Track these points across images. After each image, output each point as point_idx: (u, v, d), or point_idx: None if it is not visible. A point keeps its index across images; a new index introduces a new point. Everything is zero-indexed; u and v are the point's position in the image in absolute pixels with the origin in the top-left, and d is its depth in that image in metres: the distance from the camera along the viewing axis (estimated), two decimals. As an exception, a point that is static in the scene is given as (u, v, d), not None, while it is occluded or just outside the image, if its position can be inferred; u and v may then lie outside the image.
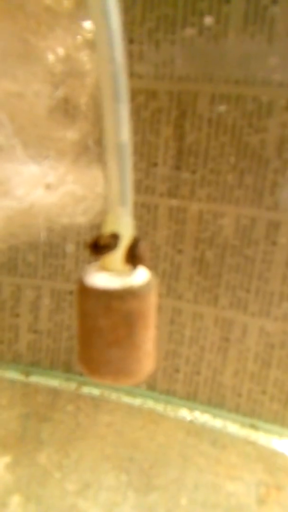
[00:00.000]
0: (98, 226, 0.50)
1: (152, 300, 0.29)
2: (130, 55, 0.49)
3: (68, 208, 0.39)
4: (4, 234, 0.39)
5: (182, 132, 0.52)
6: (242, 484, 0.40)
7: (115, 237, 0.28)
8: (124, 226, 0.28)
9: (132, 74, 0.51)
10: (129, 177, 0.27)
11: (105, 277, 0.28)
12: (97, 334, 0.28)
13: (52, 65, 0.40)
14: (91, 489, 0.37)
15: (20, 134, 0.36)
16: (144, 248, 0.29)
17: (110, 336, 0.28)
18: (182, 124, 0.51)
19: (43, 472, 0.38)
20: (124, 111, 0.26)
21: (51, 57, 0.39)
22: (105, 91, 0.26)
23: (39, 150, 0.37)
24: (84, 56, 0.43)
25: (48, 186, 0.36)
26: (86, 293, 0.29)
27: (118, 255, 0.28)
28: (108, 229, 0.28)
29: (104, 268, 0.29)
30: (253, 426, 0.48)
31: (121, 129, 0.26)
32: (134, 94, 0.50)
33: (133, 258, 0.28)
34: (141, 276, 0.29)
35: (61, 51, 0.41)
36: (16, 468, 0.38)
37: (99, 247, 0.28)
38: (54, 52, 0.40)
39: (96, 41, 0.26)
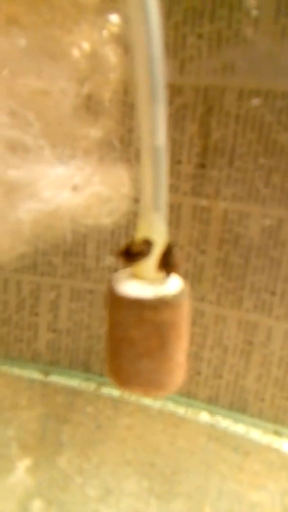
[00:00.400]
0: (121, 226, 0.49)
1: (185, 310, 0.28)
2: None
3: (93, 209, 0.38)
4: (30, 237, 0.38)
5: (207, 129, 0.50)
6: (266, 494, 0.39)
7: (148, 244, 0.26)
8: (158, 233, 0.27)
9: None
10: (164, 182, 0.26)
11: (137, 285, 0.27)
12: (128, 344, 0.27)
13: (77, 61, 0.38)
14: (113, 495, 0.37)
15: (47, 134, 0.35)
16: (178, 256, 0.27)
17: (142, 347, 0.27)
18: (208, 120, 0.50)
19: (64, 476, 0.38)
20: (161, 112, 0.25)
21: (76, 53, 0.38)
22: (141, 90, 0.25)
23: (65, 150, 0.36)
24: (109, 51, 0.41)
25: (75, 188, 0.35)
26: (117, 302, 0.28)
27: (150, 263, 0.27)
28: (140, 235, 0.27)
29: (136, 276, 0.28)
30: (276, 433, 0.47)
31: (157, 131, 0.25)
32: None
33: (166, 265, 0.27)
34: (174, 284, 0.28)
35: (86, 46, 0.39)
36: (37, 471, 0.38)
37: (132, 254, 0.27)
38: (80, 47, 0.38)
39: (132, 35, 0.25)
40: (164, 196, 0.27)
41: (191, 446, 0.43)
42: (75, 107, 0.38)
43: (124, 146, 0.49)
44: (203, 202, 0.52)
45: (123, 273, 0.29)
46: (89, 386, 0.50)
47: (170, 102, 0.51)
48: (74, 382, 0.50)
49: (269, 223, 0.50)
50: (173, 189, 0.52)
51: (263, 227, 0.50)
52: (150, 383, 0.28)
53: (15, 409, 0.44)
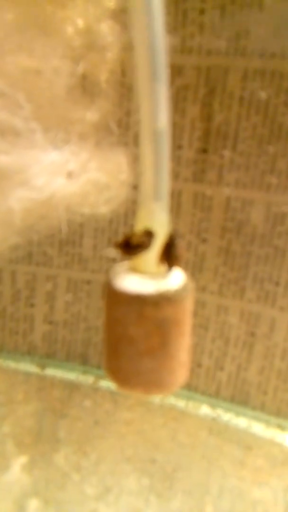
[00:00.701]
0: (120, 215, 0.47)
1: (188, 306, 0.27)
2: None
3: (90, 197, 0.36)
4: (22, 228, 0.36)
5: (210, 112, 0.48)
6: (269, 490, 0.38)
7: (149, 235, 0.24)
8: (159, 223, 0.25)
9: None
10: (166, 168, 0.24)
11: (137, 280, 0.25)
12: (127, 342, 0.26)
13: (71, 38, 0.36)
14: (112, 493, 0.36)
15: (39, 116, 0.33)
16: (181, 247, 0.25)
17: (142, 345, 0.26)
18: (210, 102, 0.47)
19: (61, 474, 0.36)
20: (163, 92, 0.23)
21: (70, 29, 0.35)
22: (141, 68, 0.23)
23: (59, 134, 0.34)
24: (105, 28, 0.39)
25: (69, 174, 0.33)
26: (115, 298, 0.26)
27: (151, 255, 0.25)
28: (140, 226, 0.25)
29: (135, 270, 0.26)
30: (279, 426, 0.46)
31: (159, 113, 0.22)
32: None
33: (169, 258, 0.25)
34: (176, 279, 0.26)
35: (81, 22, 0.37)
36: (33, 469, 0.36)
37: (131, 246, 0.25)
38: (74, 24, 0.36)
39: (131, 11, 0.22)
40: (166, 184, 0.25)
41: (192, 441, 0.42)
42: (69, 88, 0.36)
43: (122, 130, 0.47)
44: (205, 189, 0.50)
45: (122, 266, 0.27)
46: (87, 379, 0.48)
47: (170, 83, 0.49)
48: (71, 375, 0.49)
49: (274, 210, 0.48)
50: (173, 175, 0.50)
51: (267, 215, 0.48)
52: (151, 383, 0.26)
53: (11, 404, 0.43)
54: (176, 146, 0.50)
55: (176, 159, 0.50)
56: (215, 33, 0.45)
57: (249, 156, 0.48)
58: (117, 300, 0.25)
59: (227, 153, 0.48)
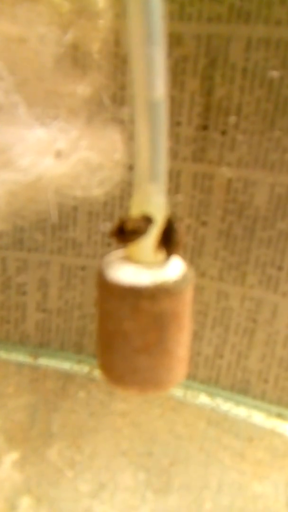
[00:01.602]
0: (115, 196, 0.44)
1: (188, 298, 0.24)
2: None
3: (82, 179, 0.33)
4: (7, 213, 0.33)
5: (211, 85, 0.44)
6: (270, 484, 0.36)
7: (146, 221, 0.22)
8: (156, 207, 0.23)
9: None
10: (163, 145, 0.21)
11: (132, 270, 0.23)
12: (122, 338, 0.23)
13: (59, 3, 0.32)
14: (107, 490, 0.34)
15: (23, 90, 0.30)
16: (180, 232, 0.23)
17: (138, 341, 0.23)
18: (211, 75, 0.44)
19: (54, 470, 0.35)
20: (159, 57, 0.20)
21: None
22: (134, 29, 0.20)
23: (46, 109, 0.31)
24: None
25: (58, 154, 0.30)
26: (108, 290, 0.24)
27: (148, 242, 0.23)
28: (136, 209, 0.23)
29: (130, 259, 0.24)
30: (280, 416, 0.45)
31: (154, 81, 0.20)
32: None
33: (167, 244, 0.23)
34: (175, 268, 0.24)
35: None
36: (25, 465, 0.35)
37: (127, 232, 0.22)
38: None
39: None
40: (163, 163, 0.22)
41: (190, 433, 0.40)
42: (57, 58, 0.33)
43: (117, 105, 0.44)
44: (205, 169, 0.47)
45: (115, 255, 0.24)
46: (82, 369, 0.47)
47: (168, 53, 0.46)
48: (65, 365, 0.47)
49: (278, 191, 0.45)
50: (172, 154, 0.47)
51: (270, 196, 0.46)
52: (148, 381, 0.24)
53: (2, 397, 0.41)
54: (175, 123, 0.47)
55: (175, 137, 0.47)
56: (216, -2, 0.42)
57: (252, 134, 0.45)
58: (110, 293, 0.22)
59: (229, 130, 0.45)
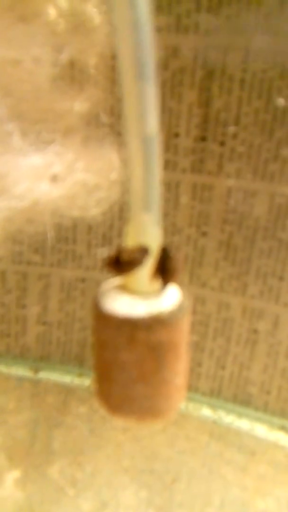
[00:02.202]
0: (114, 210, 0.44)
1: (184, 328, 0.24)
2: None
3: (78, 200, 0.33)
4: (4, 238, 0.33)
5: (208, 96, 0.44)
6: (272, 500, 0.36)
7: (142, 252, 0.22)
8: (151, 237, 0.22)
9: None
10: (157, 177, 0.21)
11: (128, 301, 0.23)
12: (119, 368, 0.23)
13: (54, 22, 0.32)
14: (108, 508, 0.34)
15: (18, 113, 0.29)
16: (177, 261, 0.23)
17: (134, 371, 0.23)
18: (208, 86, 0.44)
19: (55, 488, 0.35)
20: (151, 92, 0.20)
21: (52, 12, 0.32)
22: (125, 65, 0.19)
23: (41, 134, 0.31)
24: (91, 8, 0.35)
25: (54, 178, 0.30)
26: (104, 321, 0.23)
27: (143, 272, 0.23)
28: (130, 240, 0.23)
29: (126, 289, 0.24)
30: (283, 428, 0.45)
31: (147, 117, 0.19)
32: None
33: (164, 273, 0.23)
34: (171, 298, 0.24)
35: (63, 3, 0.33)
36: (26, 484, 0.35)
37: (123, 263, 0.22)
38: (56, 5, 0.32)
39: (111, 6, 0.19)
40: (157, 194, 0.22)
41: (192, 447, 0.40)
42: (53, 78, 0.32)
43: (114, 119, 0.43)
44: (204, 180, 0.47)
45: (111, 284, 0.24)
46: (83, 382, 0.47)
47: (165, 65, 0.45)
48: (66, 378, 0.47)
49: (278, 201, 0.45)
50: (171, 165, 0.47)
51: (270, 206, 0.45)
52: (145, 410, 0.24)
53: (2, 413, 0.41)
54: (173, 134, 0.47)
55: (173, 148, 0.47)
56: (213, 10, 0.42)
57: (251, 144, 0.45)
58: (105, 323, 0.22)
59: (227, 140, 0.45)
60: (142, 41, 0.19)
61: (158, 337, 0.22)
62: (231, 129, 0.44)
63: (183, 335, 0.24)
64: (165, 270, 0.22)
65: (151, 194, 0.21)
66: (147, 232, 0.22)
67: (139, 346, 0.22)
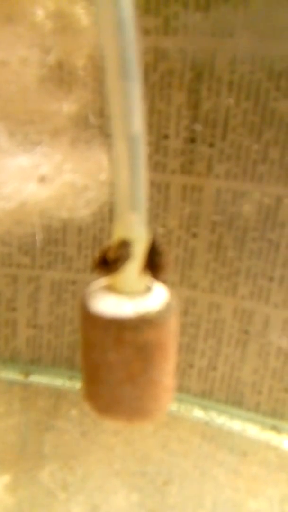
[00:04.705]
0: (104, 211, 0.44)
1: (172, 327, 0.24)
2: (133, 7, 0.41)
3: (67, 201, 0.33)
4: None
5: (197, 98, 0.44)
6: (264, 501, 0.36)
7: (126, 246, 0.22)
8: (137, 237, 0.22)
9: (137, 30, 0.43)
10: (143, 176, 0.21)
11: (114, 301, 0.23)
12: (106, 369, 0.23)
13: (41, 24, 0.32)
14: (100, 512, 0.34)
15: (5, 115, 0.29)
16: (166, 254, 0.23)
17: (122, 372, 0.23)
18: (197, 88, 0.44)
19: (46, 492, 0.35)
20: (136, 92, 0.20)
21: (39, 13, 0.32)
22: (109, 65, 0.19)
23: (28, 135, 0.30)
24: (79, 10, 0.35)
25: (42, 179, 0.30)
26: (90, 321, 0.23)
27: (131, 271, 0.23)
28: (117, 239, 0.22)
29: (112, 289, 0.23)
30: (274, 428, 0.45)
31: (133, 117, 0.19)
32: (140, 54, 0.43)
33: (153, 268, 0.23)
34: (158, 297, 0.24)
35: (51, 4, 0.33)
36: (17, 488, 0.35)
37: (110, 262, 0.22)
38: (43, 7, 0.32)
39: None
40: (143, 193, 0.22)
41: (184, 449, 0.40)
42: (41, 79, 0.32)
43: (103, 120, 0.43)
44: (194, 181, 0.47)
45: (98, 285, 0.24)
46: (74, 385, 0.46)
47: (154, 67, 0.46)
48: (57, 381, 0.47)
49: (267, 202, 0.45)
50: (160, 167, 0.47)
51: (259, 207, 0.46)
52: (133, 411, 0.24)
53: (-8, 417, 0.41)
54: (162, 136, 0.47)
55: (163, 150, 0.47)
56: (200, 11, 0.42)
57: (240, 145, 0.45)
58: (92, 324, 0.22)
59: (216, 142, 0.45)
60: (126, 40, 0.19)
61: (145, 337, 0.22)
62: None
63: (171, 335, 0.24)
64: (153, 265, 0.22)
65: (137, 194, 0.21)
66: (134, 231, 0.22)
67: (126, 346, 0.22)
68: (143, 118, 0.19)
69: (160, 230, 0.48)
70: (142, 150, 0.20)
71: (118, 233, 0.22)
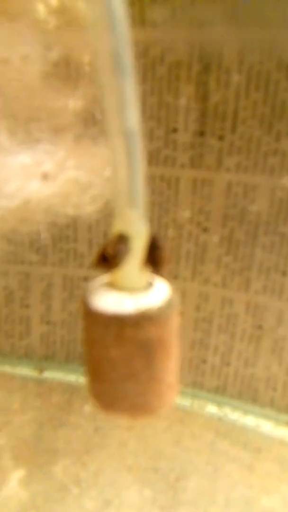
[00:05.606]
0: (112, 214, 0.44)
1: (173, 324, 0.24)
2: (141, -2, 0.40)
3: (72, 198, 0.33)
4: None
5: (205, 90, 0.44)
6: (278, 498, 0.36)
7: (123, 240, 0.21)
8: (137, 233, 0.22)
9: (143, 22, 0.42)
10: (141, 171, 0.21)
11: (115, 298, 0.23)
12: (108, 366, 0.23)
13: (44, 20, 0.32)
14: (112, 507, 0.34)
15: (6, 113, 0.29)
16: (166, 249, 0.23)
17: (124, 368, 0.23)
18: (205, 80, 0.43)
19: (59, 487, 0.35)
20: (130, 86, 0.19)
21: (41, 9, 0.32)
22: (101, 58, 0.19)
23: (31, 132, 0.30)
24: (82, 5, 0.35)
25: (45, 176, 0.30)
26: (92, 318, 0.23)
27: (131, 266, 0.22)
28: (114, 235, 0.22)
29: (114, 285, 0.23)
30: (289, 424, 0.44)
31: (127, 112, 0.19)
32: (147, 46, 0.42)
33: (154, 262, 0.22)
34: (159, 293, 0.23)
35: (54, 0, 0.33)
36: (30, 483, 0.35)
37: (109, 257, 0.22)
38: (45, 2, 0.32)
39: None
40: (141, 189, 0.21)
41: (197, 445, 0.40)
42: (45, 76, 0.32)
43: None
44: (204, 175, 0.46)
45: (99, 281, 0.24)
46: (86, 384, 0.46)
47: (161, 60, 0.45)
48: (71, 377, 0.47)
49: (279, 195, 0.44)
50: (169, 161, 0.47)
51: (271, 200, 0.45)
52: (137, 407, 0.24)
53: (7, 413, 0.41)
54: (171, 130, 0.46)
55: (172, 144, 0.46)
56: (207, 2, 0.41)
57: (250, 137, 0.44)
58: (94, 321, 0.22)
59: (226, 135, 0.44)
60: (118, 34, 0.18)
61: (147, 334, 0.22)
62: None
63: (173, 331, 0.24)
64: (154, 260, 0.22)
65: (135, 189, 0.21)
66: (133, 227, 0.22)
67: (127, 343, 0.22)
68: (138, 112, 0.19)
69: (171, 226, 0.47)
70: (139, 145, 0.20)
71: (117, 228, 0.22)
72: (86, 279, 0.50)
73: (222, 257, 0.48)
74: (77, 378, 0.47)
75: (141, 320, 0.21)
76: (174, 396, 0.25)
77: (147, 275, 0.22)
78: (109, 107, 0.19)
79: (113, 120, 0.19)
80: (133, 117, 0.19)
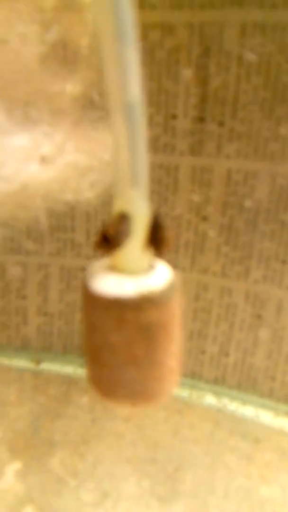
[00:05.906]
0: (111, 195, 0.43)
1: (175, 307, 0.23)
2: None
3: (71, 182, 0.32)
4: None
5: (206, 75, 0.43)
6: (277, 488, 0.35)
7: (125, 220, 0.21)
8: (139, 212, 0.21)
9: (142, 5, 0.41)
10: (143, 149, 0.20)
11: (116, 280, 0.22)
12: (109, 351, 0.22)
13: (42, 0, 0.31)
14: (110, 499, 0.33)
15: (4, 94, 0.28)
16: (168, 228, 0.22)
17: (125, 353, 0.22)
18: (205, 64, 0.42)
19: (57, 479, 0.34)
20: (132, 56, 0.19)
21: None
22: (103, 30, 0.18)
23: (28, 113, 0.29)
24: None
25: (43, 159, 0.29)
26: (92, 302, 0.22)
27: (133, 248, 0.22)
28: (115, 215, 0.22)
29: (115, 268, 0.23)
30: (289, 414, 0.43)
31: (128, 82, 0.18)
32: (145, 29, 0.41)
33: (156, 242, 0.22)
34: (161, 276, 0.23)
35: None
36: (27, 475, 0.34)
37: (111, 239, 0.21)
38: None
39: None
40: (143, 166, 0.21)
41: (196, 435, 0.39)
42: (43, 57, 0.31)
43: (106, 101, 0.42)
44: (204, 162, 0.46)
45: (100, 264, 0.23)
46: (85, 372, 0.46)
47: (161, 44, 0.44)
48: (68, 369, 0.46)
49: (279, 182, 0.44)
50: (169, 148, 0.46)
51: (272, 187, 0.44)
52: (138, 393, 0.23)
53: (4, 405, 0.41)
54: (170, 116, 0.45)
55: (171, 131, 0.45)
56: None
57: (250, 123, 0.43)
58: (94, 305, 0.21)
59: (226, 120, 0.43)
60: (121, 3, 0.17)
61: (148, 317, 0.21)
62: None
63: (175, 315, 0.23)
64: (156, 241, 0.21)
65: (137, 167, 0.20)
66: (134, 206, 0.21)
67: (128, 327, 0.21)
68: (140, 84, 0.18)
69: (170, 215, 0.46)
70: (140, 119, 0.19)
71: (118, 208, 0.21)
72: (83, 269, 0.49)
73: (222, 246, 0.47)
74: (75, 369, 0.46)
75: (143, 303, 0.21)
76: (175, 382, 0.24)
77: (149, 257, 0.22)
78: (110, 79, 0.18)
79: (114, 92, 0.18)
80: (135, 89, 0.18)
